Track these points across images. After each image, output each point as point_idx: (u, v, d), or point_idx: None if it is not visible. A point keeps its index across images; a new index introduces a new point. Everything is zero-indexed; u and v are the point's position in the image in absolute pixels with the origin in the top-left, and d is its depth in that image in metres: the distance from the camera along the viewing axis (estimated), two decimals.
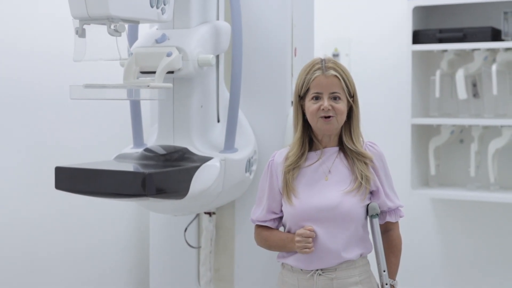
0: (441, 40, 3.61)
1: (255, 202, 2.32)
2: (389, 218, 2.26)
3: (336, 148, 2.24)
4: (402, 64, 3.73)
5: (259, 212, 2.30)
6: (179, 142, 2.68)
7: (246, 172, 2.74)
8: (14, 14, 2.86)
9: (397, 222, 2.29)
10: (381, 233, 2.27)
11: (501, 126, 3.56)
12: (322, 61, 2.21)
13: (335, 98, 2.17)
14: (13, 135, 2.86)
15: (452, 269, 3.88)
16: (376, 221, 2.22)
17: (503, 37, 3.54)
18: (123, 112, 3.07)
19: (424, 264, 3.88)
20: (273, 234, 2.28)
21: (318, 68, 2.19)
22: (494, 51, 3.58)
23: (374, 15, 3.99)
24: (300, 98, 2.23)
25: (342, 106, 2.18)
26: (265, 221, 2.29)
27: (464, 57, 3.70)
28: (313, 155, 2.24)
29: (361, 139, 2.25)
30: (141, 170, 2.48)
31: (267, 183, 2.27)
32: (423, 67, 3.78)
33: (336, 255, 2.17)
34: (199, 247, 3.03)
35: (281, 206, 2.25)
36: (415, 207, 3.81)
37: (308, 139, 2.24)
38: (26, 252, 2.93)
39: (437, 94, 3.64)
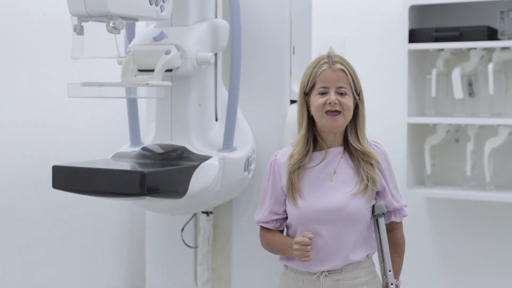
0: (437, 39, 3.60)
1: (259, 202, 2.30)
2: (394, 218, 2.25)
3: (341, 148, 2.21)
4: (398, 63, 3.72)
5: (261, 213, 2.27)
6: (177, 140, 2.66)
7: (244, 171, 2.73)
8: (11, 11, 2.83)
9: (401, 222, 2.29)
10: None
11: (497, 126, 3.56)
12: (329, 56, 2.19)
13: (341, 94, 2.15)
14: (10, 134, 2.83)
15: (447, 268, 3.88)
16: (382, 221, 2.21)
17: (499, 36, 3.54)
18: (120, 111, 3.04)
19: (419, 263, 3.88)
20: (275, 238, 2.26)
21: (325, 62, 2.17)
22: (490, 50, 3.58)
23: (370, 14, 3.99)
24: (305, 94, 2.20)
25: (349, 101, 2.15)
26: (267, 222, 2.28)
27: (460, 56, 3.69)
28: (318, 155, 2.21)
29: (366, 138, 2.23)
30: (139, 169, 2.45)
31: (269, 183, 2.24)
32: (419, 66, 3.78)
33: (344, 257, 2.15)
34: (196, 247, 3.01)
35: (285, 207, 2.23)
36: (410, 206, 3.71)
37: (313, 137, 2.21)
38: (22, 250, 2.90)
39: (433, 93, 3.64)
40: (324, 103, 2.14)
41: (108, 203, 3.25)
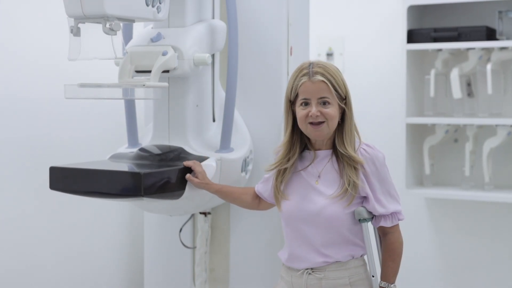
0: (435, 39, 3.60)
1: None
2: (383, 223, 2.22)
3: (329, 151, 2.22)
4: (397, 64, 3.72)
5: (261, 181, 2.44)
6: (175, 141, 2.66)
7: (242, 171, 2.73)
8: (7, 13, 2.83)
9: (395, 226, 2.24)
10: (381, 236, 2.27)
11: (496, 126, 3.56)
12: (309, 65, 2.17)
13: (324, 103, 2.15)
14: (7, 135, 2.84)
15: (447, 269, 3.88)
16: (365, 226, 2.21)
17: (497, 36, 3.54)
18: (117, 112, 3.05)
19: (418, 264, 3.88)
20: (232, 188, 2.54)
21: (305, 74, 2.15)
22: (488, 50, 3.58)
23: (368, 14, 3.99)
24: (291, 102, 2.22)
25: (331, 110, 2.15)
26: (258, 190, 2.44)
27: (459, 56, 3.69)
28: (308, 156, 2.24)
29: (357, 141, 2.21)
30: (137, 170, 2.46)
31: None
32: (417, 67, 3.78)
33: (323, 256, 2.18)
34: (194, 248, 3.02)
35: (267, 192, 2.39)
36: (409, 207, 3.80)
37: (301, 141, 2.25)
38: (19, 252, 2.91)
39: (432, 94, 3.64)
40: (307, 115, 2.15)
41: (106, 204, 3.25)
